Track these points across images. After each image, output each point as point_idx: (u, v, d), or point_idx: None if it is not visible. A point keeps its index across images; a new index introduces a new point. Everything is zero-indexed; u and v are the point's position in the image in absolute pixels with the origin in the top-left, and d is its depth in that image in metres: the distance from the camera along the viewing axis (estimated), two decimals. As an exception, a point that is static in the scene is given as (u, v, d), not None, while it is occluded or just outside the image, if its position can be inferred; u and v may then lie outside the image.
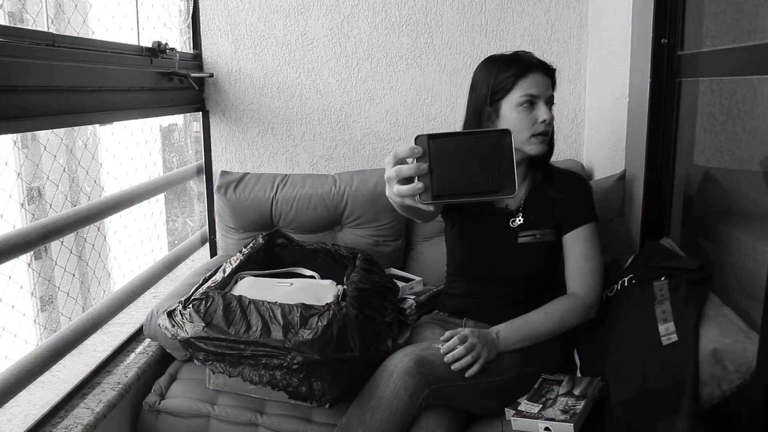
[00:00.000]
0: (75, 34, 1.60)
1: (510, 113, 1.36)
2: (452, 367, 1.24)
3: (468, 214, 1.48)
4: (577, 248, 1.40)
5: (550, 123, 1.37)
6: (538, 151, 1.38)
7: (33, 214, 1.95)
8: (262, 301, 1.32)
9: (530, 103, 1.35)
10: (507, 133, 0.78)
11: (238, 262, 1.59)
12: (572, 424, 1.15)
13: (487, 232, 1.47)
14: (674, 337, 1.20)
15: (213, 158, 2.15)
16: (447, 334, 1.31)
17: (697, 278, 1.28)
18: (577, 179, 1.49)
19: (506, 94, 1.35)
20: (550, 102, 1.38)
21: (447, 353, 1.25)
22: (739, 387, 1.14)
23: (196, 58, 2.08)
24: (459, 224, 1.50)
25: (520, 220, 1.44)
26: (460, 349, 1.25)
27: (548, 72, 1.40)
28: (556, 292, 1.53)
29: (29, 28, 1.34)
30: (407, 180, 0.80)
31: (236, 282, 1.52)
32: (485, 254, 1.47)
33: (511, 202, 1.48)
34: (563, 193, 1.44)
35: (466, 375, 1.24)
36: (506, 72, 1.36)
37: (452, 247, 1.53)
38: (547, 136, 1.38)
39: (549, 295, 1.52)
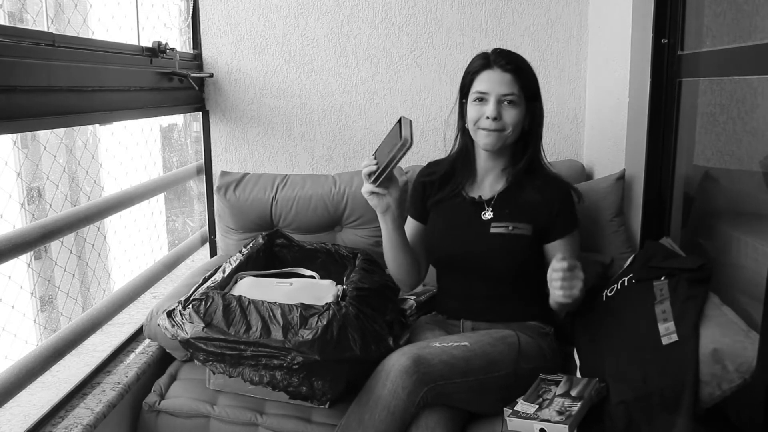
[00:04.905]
0: (75, 34, 1.60)
1: (468, 107, 1.47)
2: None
3: (441, 204, 1.55)
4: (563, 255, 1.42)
5: (497, 119, 1.41)
6: (483, 144, 1.45)
7: (33, 214, 1.95)
8: (262, 301, 1.32)
9: (480, 99, 1.43)
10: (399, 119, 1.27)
11: (237, 262, 1.59)
12: (567, 425, 1.15)
13: (458, 217, 1.51)
14: (674, 337, 1.20)
15: (213, 158, 2.15)
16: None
17: (697, 278, 1.28)
18: (560, 186, 1.50)
19: (468, 89, 1.47)
20: (506, 100, 1.41)
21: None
22: (739, 387, 1.14)
23: (196, 58, 2.08)
24: (433, 217, 1.56)
25: (490, 213, 1.48)
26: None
27: (510, 69, 1.42)
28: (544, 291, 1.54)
29: (29, 28, 1.34)
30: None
31: (236, 282, 1.52)
32: (455, 239, 1.50)
33: (485, 194, 1.51)
34: (544, 196, 1.46)
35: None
36: (469, 69, 1.48)
37: (429, 240, 1.57)
38: (493, 131, 1.42)
39: (542, 289, 1.52)
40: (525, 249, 1.45)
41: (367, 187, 1.36)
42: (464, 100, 1.49)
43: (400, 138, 1.25)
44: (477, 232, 1.47)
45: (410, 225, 1.59)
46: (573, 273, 1.26)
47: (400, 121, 1.28)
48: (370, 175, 1.33)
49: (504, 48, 1.47)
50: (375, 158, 1.33)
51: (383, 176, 1.32)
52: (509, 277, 1.47)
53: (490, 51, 1.46)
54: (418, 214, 1.59)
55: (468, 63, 1.50)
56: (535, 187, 1.47)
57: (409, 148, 1.26)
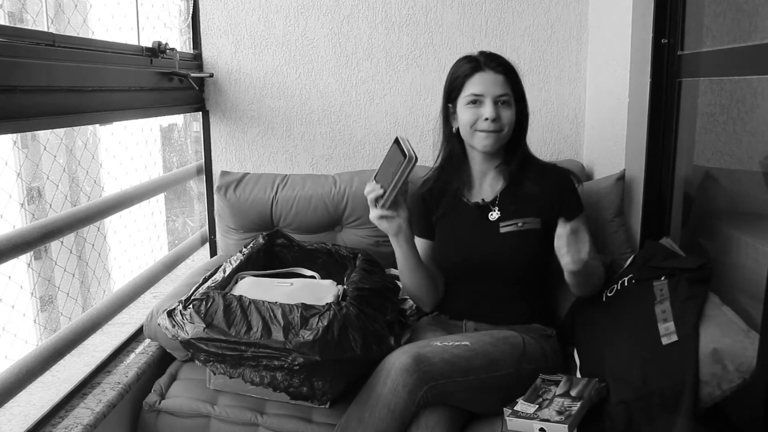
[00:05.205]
0: (75, 34, 1.60)
1: (461, 110, 1.45)
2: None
3: (445, 217, 1.53)
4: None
5: (495, 120, 1.41)
6: (482, 146, 1.44)
7: (33, 214, 1.95)
8: (263, 301, 1.32)
9: (474, 101, 1.42)
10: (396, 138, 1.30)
11: (238, 262, 1.59)
12: (566, 425, 1.15)
13: (465, 224, 1.50)
14: (674, 337, 1.20)
15: (213, 158, 2.15)
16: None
17: (697, 278, 1.28)
18: (559, 174, 1.50)
19: (458, 93, 1.45)
20: (501, 101, 1.41)
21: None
22: (739, 386, 1.14)
23: (196, 58, 2.08)
24: (440, 231, 1.54)
25: (497, 213, 1.47)
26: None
27: (501, 71, 1.42)
28: (551, 287, 1.53)
29: (29, 28, 1.34)
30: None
31: (236, 282, 1.52)
32: (467, 246, 1.49)
33: (487, 195, 1.50)
34: (544, 187, 1.46)
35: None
36: (458, 72, 1.46)
37: (437, 250, 1.56)
38: (492, 132, 1.42)
39: (545, 290, 1.52)
40: (536, 244, 1.45)
41: (375, 213, 1.35)
42: (450, 105, 1.48)
43: (403, 157, 1.24)
44: (486, 235, 1.46)
45: (419, 244, 1.55)
46: (578, 236, 1.25)
47: (397, 141, 1.27)
48: (377, 200, 1.32)
49: (490, 51, 1.47)
50: (378, 182, 1.32)
51: (391, 198, 1.31)
52: (518, 274, 1.46)
53: (476, 54, 1.46)
54: (425, 232, 1.57)
55: (451, 68, 1.49)
56: (532, 179, 1.47)
57: (414, 165, 1.25)
